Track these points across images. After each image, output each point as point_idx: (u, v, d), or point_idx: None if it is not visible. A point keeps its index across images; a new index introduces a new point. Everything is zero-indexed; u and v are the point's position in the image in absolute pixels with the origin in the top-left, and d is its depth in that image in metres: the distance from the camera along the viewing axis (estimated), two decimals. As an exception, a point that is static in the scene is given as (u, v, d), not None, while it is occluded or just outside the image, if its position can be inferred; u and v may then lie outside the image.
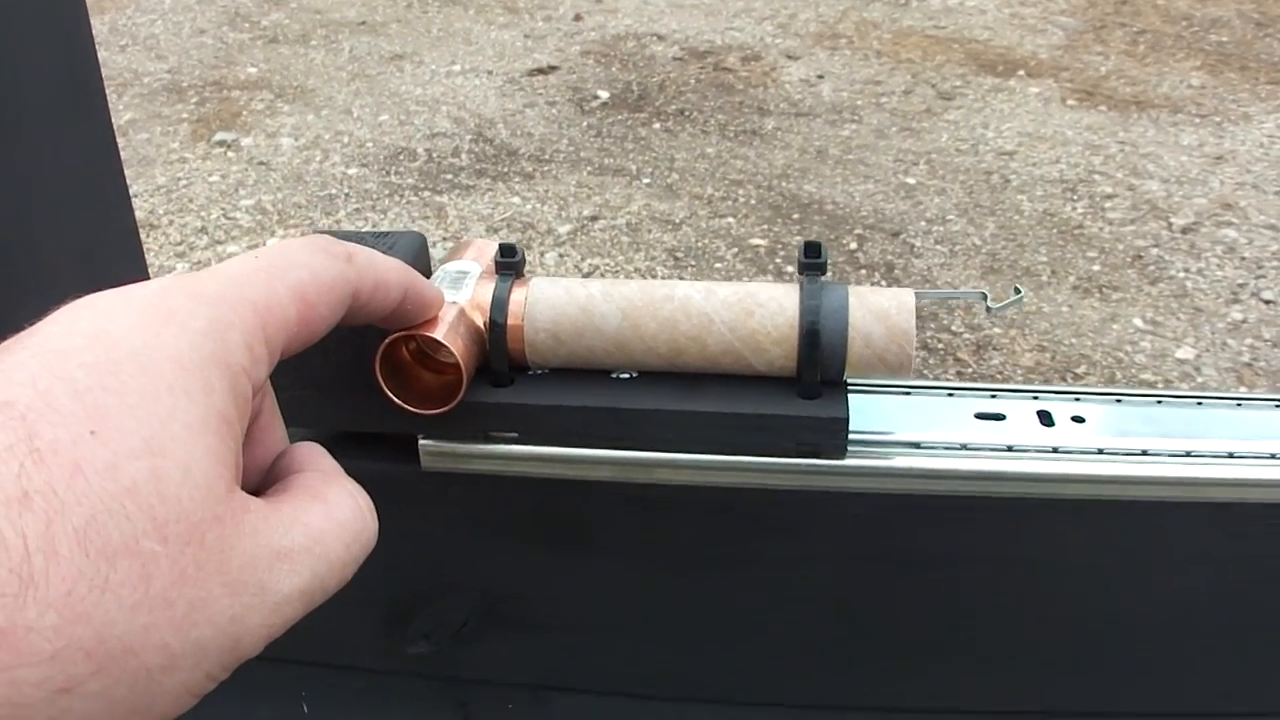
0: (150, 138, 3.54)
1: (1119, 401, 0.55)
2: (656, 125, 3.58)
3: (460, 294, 0.48)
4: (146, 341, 0.28)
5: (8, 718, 0.23)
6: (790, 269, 2.70)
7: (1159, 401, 0.55)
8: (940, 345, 2.42)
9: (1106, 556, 0.54)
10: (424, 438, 0.52)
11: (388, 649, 0.63)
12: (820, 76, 3.93)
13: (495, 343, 0.49)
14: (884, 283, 2.66)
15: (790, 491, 0.52)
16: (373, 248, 0.49)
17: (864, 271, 2.71)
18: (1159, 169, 3.17)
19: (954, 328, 2.47)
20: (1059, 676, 0.60)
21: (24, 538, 0.23)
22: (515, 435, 0.52)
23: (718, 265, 2.75)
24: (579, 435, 0.50)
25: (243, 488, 0.29)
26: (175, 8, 4.77)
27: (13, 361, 0.26)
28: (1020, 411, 0.54)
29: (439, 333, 0.44)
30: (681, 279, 0.53)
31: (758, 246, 2.84)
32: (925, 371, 2.34)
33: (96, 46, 0.70)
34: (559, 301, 0.49)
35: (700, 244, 2.85)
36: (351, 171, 3.31)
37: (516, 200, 3.11)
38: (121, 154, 0.75)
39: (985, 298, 0.53)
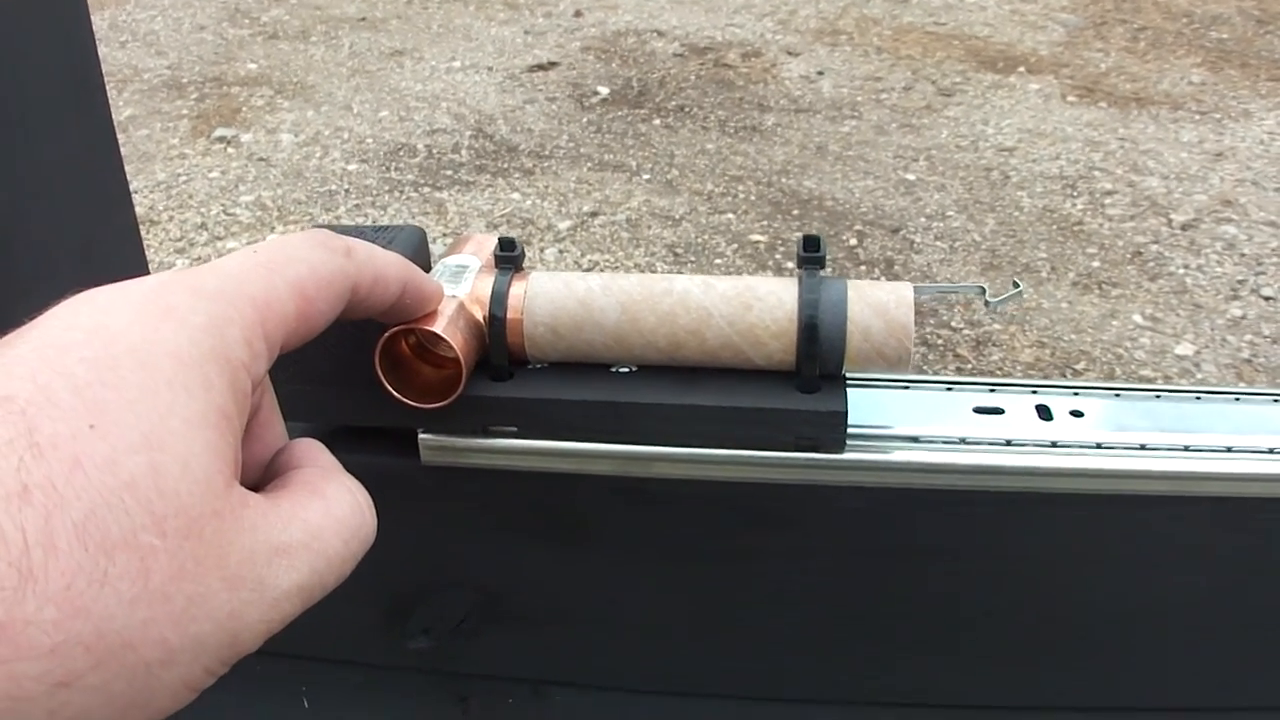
0: (150, 134, 3.54)
1: (1117, 396, 0.55)
2: (656, 121, 3.58)
3: (460, 288, 0.48)
4: (146, 337, 0.28)
5: (7, 711, 0.23)
6: (790, 265, 2.70)
7: (1157, 396, 0.55)
8: (940, 341, 2.42)
9: (1105, 550, 0.55)
10: (423, 432, 0.52)
11: (388, 644, 0.63)
12: (820, 73, 3.93)
13: (494, 337, 0.49)
14: (884, 278, 2.66)
15: (789, 485, 0.52)
16: (372, 242, 0.49)
17: (864, 267, 2.71)
18: (1159, 165, 3.17)
19: (953, 323, 2.47)
20: (1057, 670, 0.60)
21: (23, 532, 0.23)
22: (515, 429, 0.52)
23: (718, 261, 2.76)
24: (578, 429, 0.50)
25: (242, 483, 0.29)
26: (175, 4, 4.77)
27: (13, 356, 0.27)
28: (1019, 406, 0.54)
29: (438, 327, 0.44)
30: (681, 274, 0.53)
31: (758, 242, 2.84)
32: (925, 367, 2.34)
33: (97, 43, 0.70)
34: (558, 295, 0.49)
35: (700, 240, 2.85)
36: (351, 167, 3.30)
37: (516, 196, 3.11)
38: (121, 150, 0.75)
39: (983, 292, 0.53)
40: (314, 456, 0.35)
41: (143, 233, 2.76)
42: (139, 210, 2.88)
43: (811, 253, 0.48)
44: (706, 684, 0.64)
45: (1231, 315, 2.48)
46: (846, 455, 0.51)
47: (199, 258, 2.83)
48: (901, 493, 0.52)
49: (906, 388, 0.55)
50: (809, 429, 0.49)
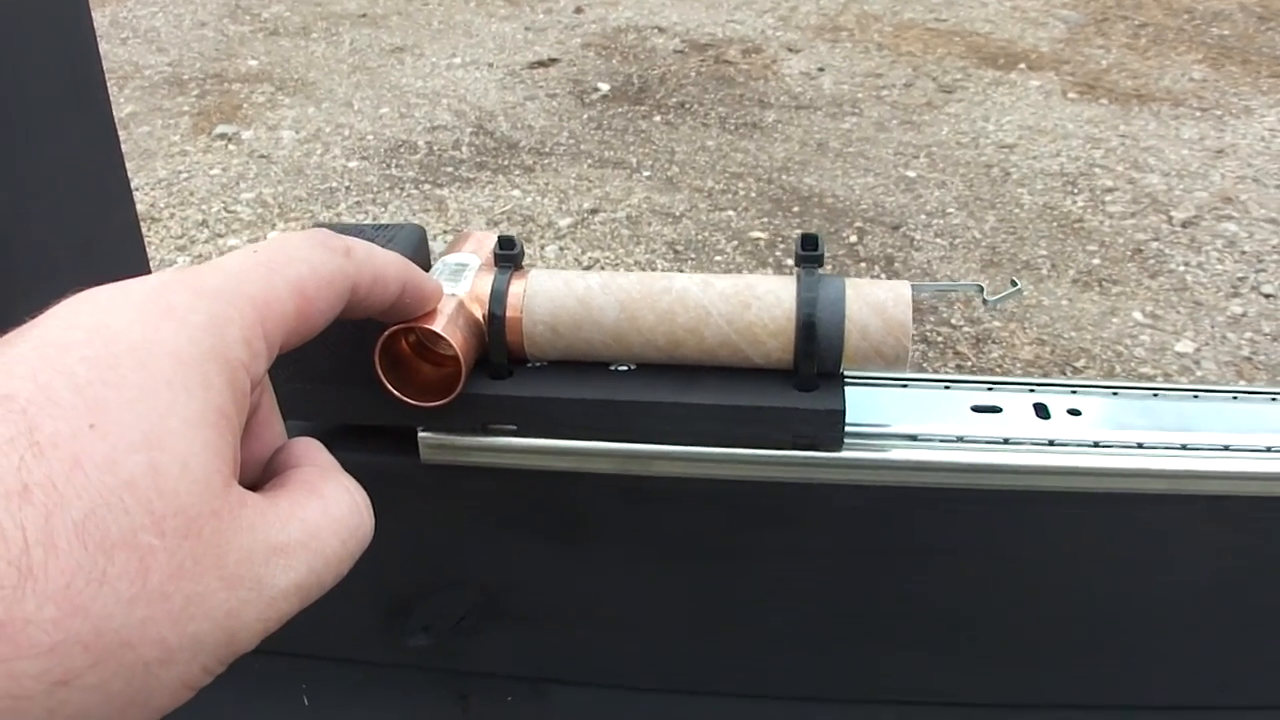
0: (151, 131, 3.54)
1: (1115, 394, 0.55)
2: (657, 118, 3.58)
3: (459, 286, 0.48)
4: (146, 336, 0.28)
5: (6, 710, 0.23)
6: (790, 262, 2.70)
7: (1155, 394, 0.55)
8: (939, 338, 2.42)
9: (1102, 549, 0.55)
10: (423, 430, 0.52)
11: (388, 641, 0.63)
12: (821, 69, 3.93)
13: (494, 335, 0.49)
14: (884, 276, 2.66)
15: (787, 484, 0.52)
16: (372, 240, 0.49)
17: (864, 265, 2.71)
18: (1160, 162, 3.17)
19: (953, 321, 2.47)
20: (1055, 668, 0.60)
21: (23, 530, 0.24)
22: (514, 428, 0.52)
23: (718, 258, 2.76)
24: (577, 428, 0.51)
25: (240, 482, 0.29)
26: (176, 0, 4.77)
27: (13, 355, 0.27)
28: (1017, 404, 0.54)
29: (438, 325, 0.44)
30: (680, 272, 0.53)
31: (758, 239, 2.84)
32: (924, 365, 2.34)
33: (97, 40, 0.70)
34: (557, 294, 0.49)
35: (700, 237, 2.85)
36: (352, 164, 3.31)
37: (517, 193, 3.11)
38: (122, 147, 0.75)
39: (982, 290, 0.53)
40: (312, 456, 0.35)
41: (144, 230, 2.76)
42: (140, 207, 2.88)
43: (810, 251, 0.48)
44: (705, 681, 0.64)
45: (1232, 312, 2.49)
46: (844, 453, 0.51)
47: (200, 255, 2.84)
48: (899, 491, 0.52)
49: (904, 386, 0.55)
50: (807, 427, 0.49)
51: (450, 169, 3.26)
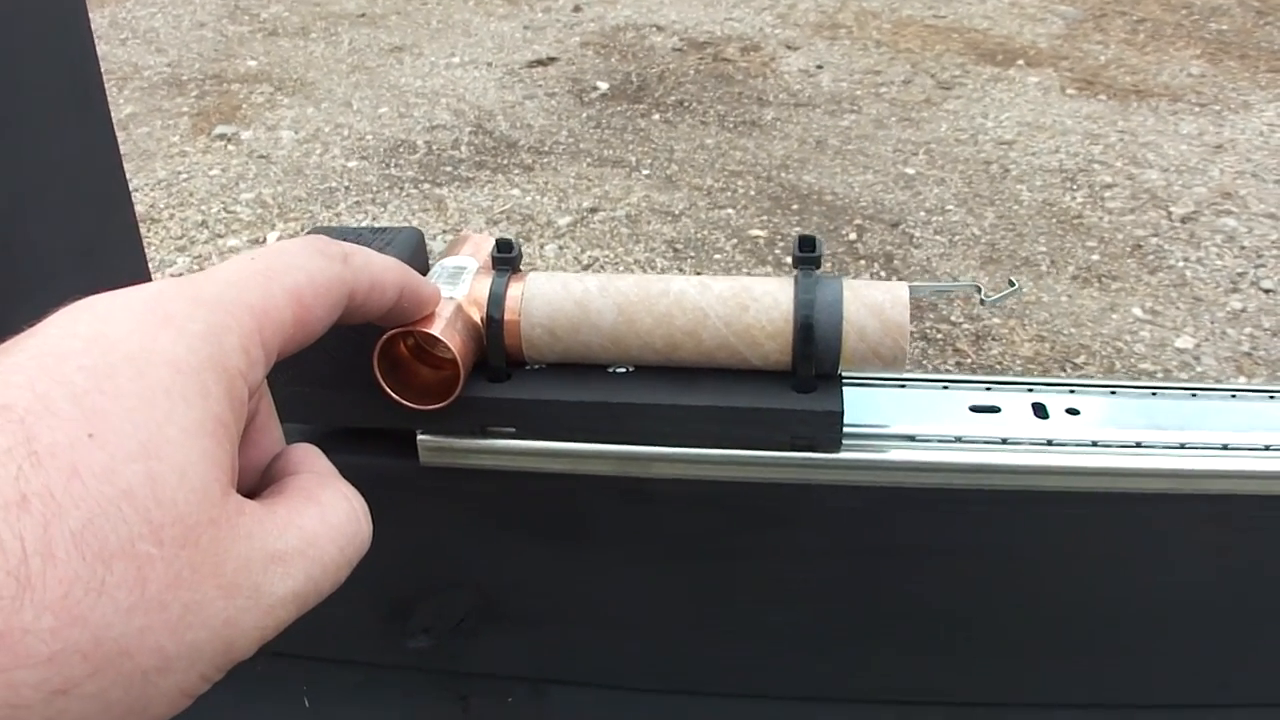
0: (151, 131, 3.54)
1: (1114, 394, 0.55)
2: (656, 116, 3.58)
3: (457, 289, 0.49)
4: (144, 345, 0.28)
5: (6, 719, 0.23)
6: (790, 260, 2.70)
7: (1154, 393, 0.55)
8: (939, 335, 2.42)
9: (1101, 549, 0.55)
10: (422, 433, 0.53)
11: (388, 643, 0.63)
12: (819, 67, 3.93)
13: (492, 338, 0.49)
14: (883, 273, 2.66)
15: (786, 485, 0.52)
16: (370, 244, 0.49)
17: (863, 262, 2.71)
18: (1158, 158, 3.16)
19: (953, 318, 2.47)
20: (1054, 668, 0.60)
21: (22, 540, 0.24)
22: (512, 430, 0.52)
23: (717, 257, 2.75)
24: (576, 430, 0.51)
25: (239, 488, 0.29)
26: (175, 1, 4.77)
27: (11, 364, 0.27)
28: (1015, 404, 0.54)
29: (436, 329, 0.44)
30: (681, 271, 0.53)
31: (757, 237, 2.84)
32: (924, 362, 2.34)
33: (96, 40, 0.70)
34: (555, 297, 0.49)
35: (700, 235, 2.85)
36: (351, 164, 3.30)
37: (516, 192, 3.10)
38: (122, 148, 0.75)
39: (980, 290, 0.53)
40: (310, 462, 0.35)
41: (144, 231, 2.76)
42: (140, 208, 2.89)
43: (807, 253, 0.48)
44: (705, 682, 0.64)
45: (1231, 308, 2.48)
46: (843, 455, 0.51)
47: (200, 255, 2.84)
48: (898, 491, 0.52)
49: (902, 386, 0.55)
50: (805, 429, 0.49)
51: (449, 168, 3.26)
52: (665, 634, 0.62)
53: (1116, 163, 3.15)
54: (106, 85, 0.72)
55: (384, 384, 0.46)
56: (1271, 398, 0.55)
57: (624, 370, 0.51)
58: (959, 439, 0.52)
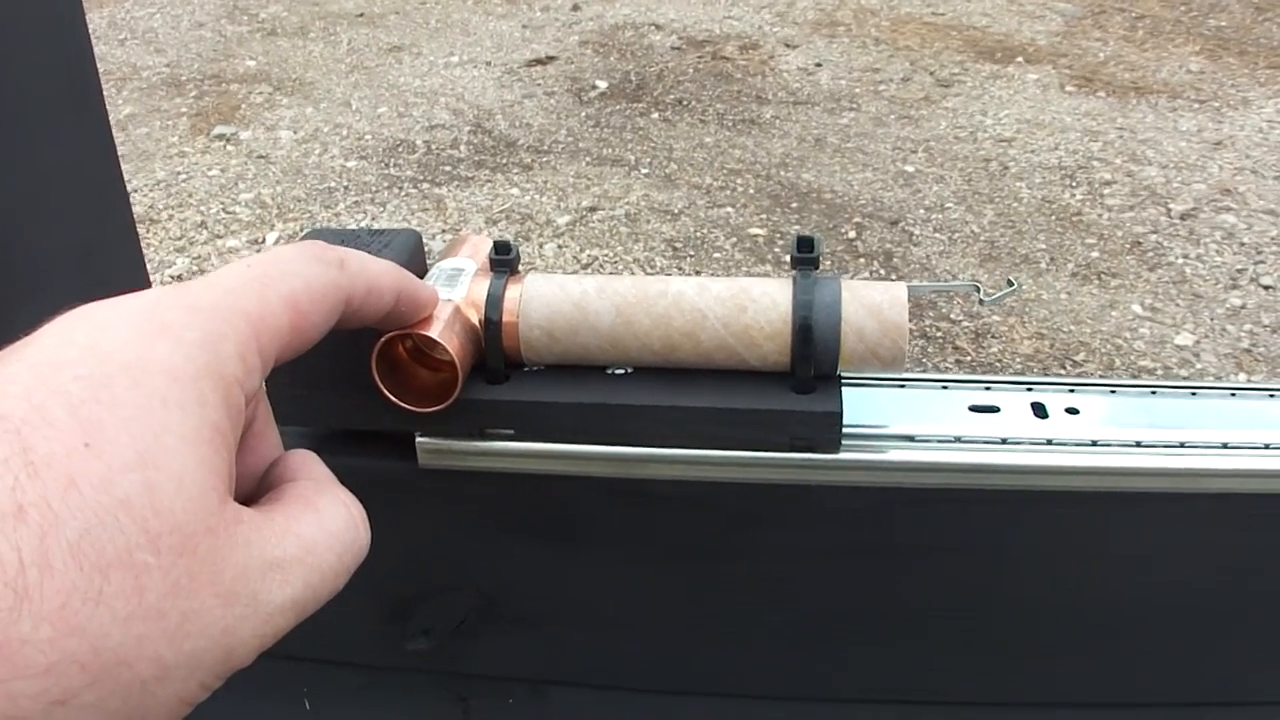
0: (149, 132, 3.54)
1: (1113, 393, 0.55)
2: (655, 115, 3.58)
3: (455, 291, 0.48)
4: (140, 354, 0.28)
5: None
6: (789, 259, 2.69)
7: (1153, 392, 0.55)
8: (939, 334, 2.42)
9: (1101, 548, 0.55)
10: (421, 435, 0.53)
11: (388, 645, 0.63)
12: (818, 65, 3.93)
13: (490, 340, 0.49)
14: (883, 271, 2.66)
15: (785, 486, 0.52)
16: (368, 246, 0.49)
17: (862, 260, 2.71)
18: (1158, 155, 3.16)
19: (953, 316, 2.47)
20: (1054, 668, 0.60)
21: (18, 551, 0.24)
22: (511, 432, 0.52)
23: (716, 255, 2.75)
24: (574, 431, 0.51)
25: (236, 495, 0.29)
26: (173, 1, 4.77)
27: (7, 374, 0.27)
28: (1014, 404, 0.54)
29: (434, 331, 0.44)
30: (680, 271, 0.53)
31: (756, 236, 2.84)
32: (924, 360, 2.34)
33: (95, 41, 0.70)
34: (553, 298, 0.49)
35: (699, 234, 2.85)
36: (350, 164, 3.30)
37: (515, 191, 3.10)
38: (120, 149, 0.75)
39: (978, 289, 0.53)
40: (308, 469, 0.35)
41: (143, 231, 2.76)
42: (139, 209, 2.89)
43: (805, 253, 0.48)
44: (705, 683, 0.64)
45: (1231, 304, 2.48)
46: (842, 455, 0.51)
47: (199, 256, 2.84)
48: (897, 492, 0.52)
49: (902, 386, 0.55)
50: (804, 429, 0.49)
51: (449, 168, 3.26)
52: (665, 635, 0.62)
53: (1116, 160, 3.15)
54: (105, 86, 0.72)
55: (382, 386, 0.46)
56: (1271, 396, 0.55)
57: (622, 372, 0.51)
58: (958, 439, 0.52)
